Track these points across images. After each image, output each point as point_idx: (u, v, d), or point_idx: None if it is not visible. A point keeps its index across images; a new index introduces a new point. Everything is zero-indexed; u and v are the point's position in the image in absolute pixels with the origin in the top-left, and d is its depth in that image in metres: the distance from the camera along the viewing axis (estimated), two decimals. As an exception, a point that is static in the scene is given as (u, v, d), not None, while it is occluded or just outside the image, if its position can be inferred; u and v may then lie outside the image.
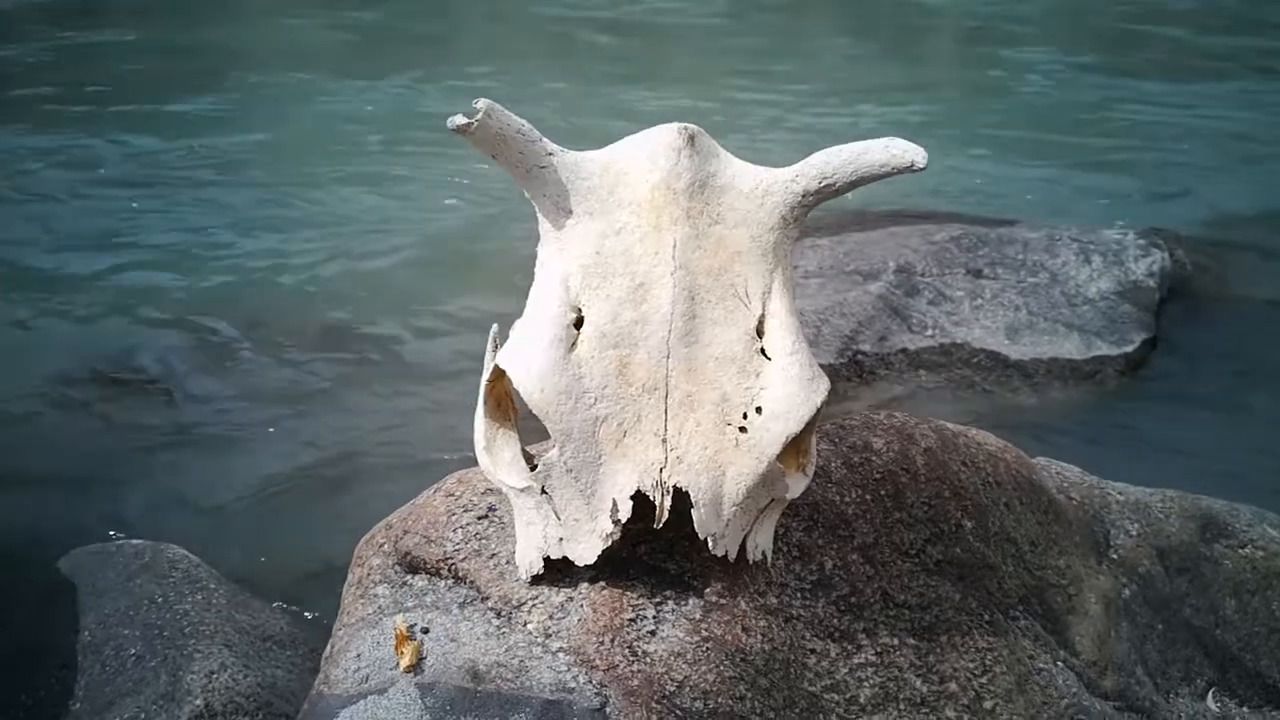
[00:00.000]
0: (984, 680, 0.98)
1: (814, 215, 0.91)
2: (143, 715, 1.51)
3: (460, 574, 0.89)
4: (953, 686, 0.96)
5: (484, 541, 0.90)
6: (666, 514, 0.81)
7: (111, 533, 2.07)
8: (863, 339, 3.03)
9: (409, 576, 0.90)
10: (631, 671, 0.81)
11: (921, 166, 0.80)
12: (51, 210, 3.60)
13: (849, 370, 2.94)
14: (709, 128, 0.87)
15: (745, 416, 0.82)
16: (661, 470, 0.81)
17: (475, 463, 1.04)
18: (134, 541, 1.89)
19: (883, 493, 1.01)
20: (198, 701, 1.52)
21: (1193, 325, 3.26)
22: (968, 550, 1.03)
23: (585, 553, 0.83)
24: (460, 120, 0.79)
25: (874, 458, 1.02)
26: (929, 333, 3.07)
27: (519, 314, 0.86)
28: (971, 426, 1.24)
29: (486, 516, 0.92)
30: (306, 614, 1.91)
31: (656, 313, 0.82)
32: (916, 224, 3.62)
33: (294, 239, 3.42)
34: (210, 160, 4.02)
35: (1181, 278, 3.39)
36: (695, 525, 0.82)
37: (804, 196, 0.85)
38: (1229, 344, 3.21)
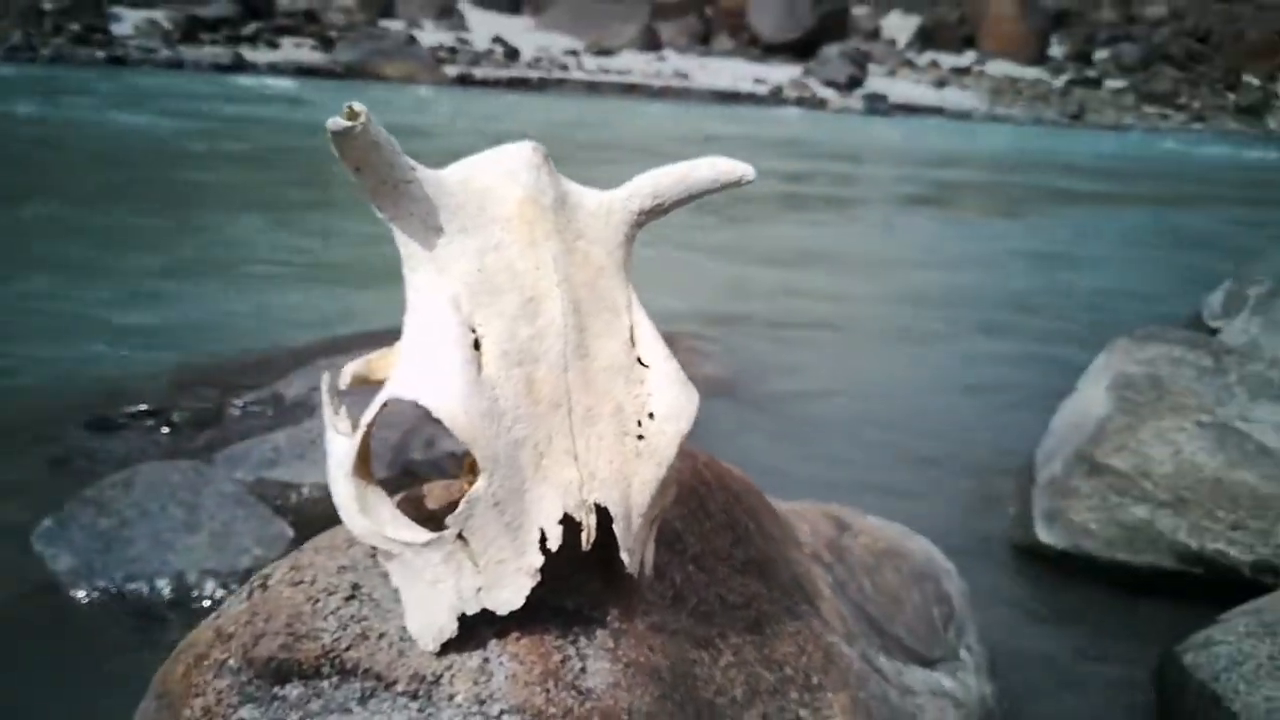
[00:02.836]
0: (804, 660, 1.06)
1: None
2: None
3: (348, 666, 0.73)
4: (789, 671, 1.02)
5: (365, 623, 0.76)
6: (594, 533, 0.77)
7: None
8: (412, 447, 3.01)
9: (277, 687, 0.72)
10: (586, 711, 0.74)
11: (751, 179, 0.89)
12: None
13: (402, 481, 2.90)
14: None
15: (640, 424, 0.82)
16: (581, 488, 0.77)
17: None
18: None
19: (694, 505, 1.05)
20: None
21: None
22: (757, 549, 1.11)
23: (512, 597, 0.75)
24: (341, 123, 0.69)
25: (678, 475, 1.06)
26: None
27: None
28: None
29: (354, 597, 0.78)
30: None
31: (551, 326, 0.79)
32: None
33: None
34: None
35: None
36: (619, 540, 0.79)
37: (639, 215, 0.89)
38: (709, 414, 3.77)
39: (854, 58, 20.74)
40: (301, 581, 0.78)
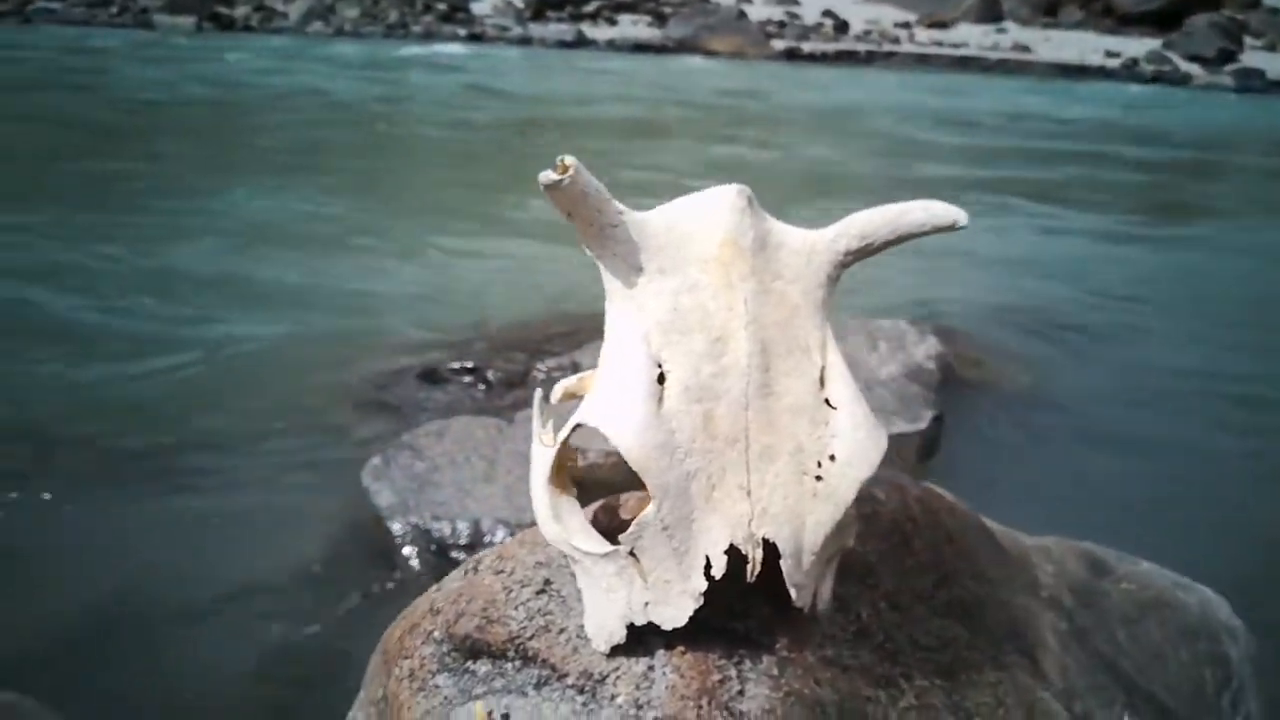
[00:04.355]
0: (1001, 712, 1.03)
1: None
2: None
3: (529, 653, 0.83)
4: (977, 721, 1.00)
5: (549, 617, 0.85)
6: (759, 566, 0.81)
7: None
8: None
9: (469, 662, 0.83)
10: (734, 733, 0.79)
11: (963, 225, 0.87)
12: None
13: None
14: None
15: (820, 465, 0.84)
16: (750, 522, 0.81)
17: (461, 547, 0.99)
18: (-60, 695, 1.61)
19: (895, 541, 1.05)
20: None
21: (965, 401, 3.64)
22: (966, 591, 1.09)
23: (676, 615, 0.81)
24: (552, 176, 0.78)
25: (880, 508, 1.07)
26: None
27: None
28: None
29: (544, 591, 0.87)
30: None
31: (735, 366, 0.83)
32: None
33: (77, 358, 3.13)
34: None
35: (945, 362, 3.76)
36: (785, 576, 0.82)
37: (845, 255, 0.90)
38: (997, 414, 3.60)
39: (1226, 28, 18.31)
40: (502, 571, 0.89)
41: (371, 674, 0.90)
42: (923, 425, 3.27)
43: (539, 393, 0.90)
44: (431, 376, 3.60)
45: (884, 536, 1.04)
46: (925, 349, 3.76)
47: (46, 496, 2.44)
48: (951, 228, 0.88)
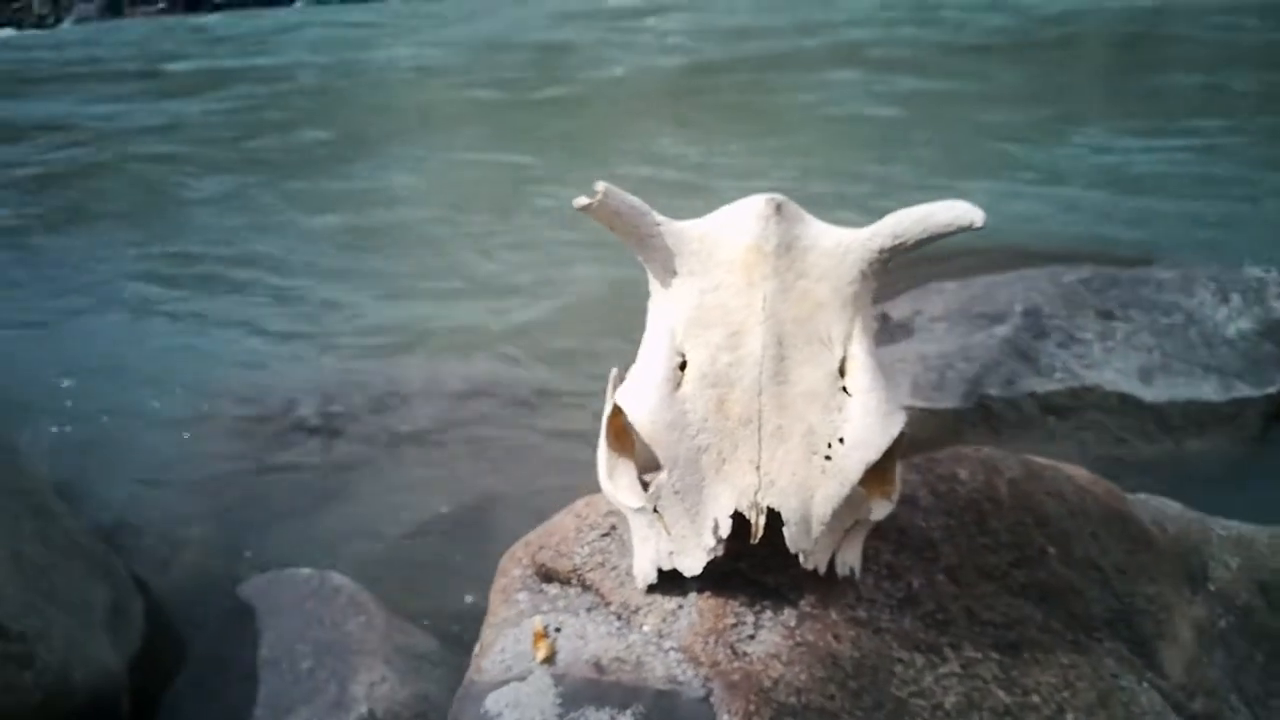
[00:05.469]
0: (1066, 694, 1.05)
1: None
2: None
3: (587, 583, 1.03)
4: (1035, 699, 1.04)
5: (607, 555, 1.04)
6: (761, 531, 0.94)
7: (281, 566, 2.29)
8: (989, 383, 3.05)
9: (544, 585, 1.05)
10: (733, 668, 0.93)
11: (980, 226, 0.92)
12: (211, 237, 4.01)
13: (975, 415, 2.98)
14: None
15: (830, 446, 0.94)
16: (756, 492, 0.94)
17: (598, 490, 1.20)
18: (303, 570, 2.13)
19: (967, 519, 1.10)
20: (362, 709, 1.71)
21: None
22: (1051, 574, 1.11)
23: (692, 565, 0.96)
24: (583, 200, 0.95)
25: (959, 487, 1.12)
26: (1058, 376, 3.07)
27: (629, 359, 1.02)
28: (1070, 464, 1.31)
29: (609, 535, 1.06)
30: (452, 638, 2.10)
31: (749, 356, 0.95)
32: (1046, 265, 3.62)
33: (433, 301, 3.73)
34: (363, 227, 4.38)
35: (1329, 318, 3.26)
36: (787, 541, 0.94)
37: (880, 253, 0.97)
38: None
39: None
40: (581, 514, 1.09)
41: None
42: (1272, 389, 2.93)
43: (614, 371, 1.08)
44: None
45: (955, 514, 1.09)
46: (1292, 301, 3.31)
47: (382, 441, 3.00)
48: (969, 227, 0.92)
